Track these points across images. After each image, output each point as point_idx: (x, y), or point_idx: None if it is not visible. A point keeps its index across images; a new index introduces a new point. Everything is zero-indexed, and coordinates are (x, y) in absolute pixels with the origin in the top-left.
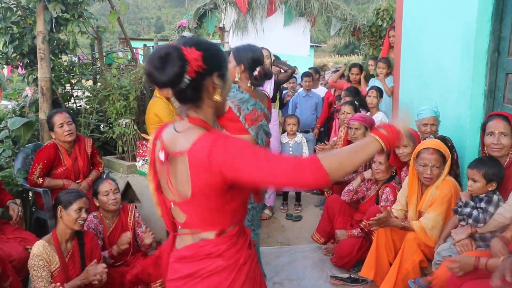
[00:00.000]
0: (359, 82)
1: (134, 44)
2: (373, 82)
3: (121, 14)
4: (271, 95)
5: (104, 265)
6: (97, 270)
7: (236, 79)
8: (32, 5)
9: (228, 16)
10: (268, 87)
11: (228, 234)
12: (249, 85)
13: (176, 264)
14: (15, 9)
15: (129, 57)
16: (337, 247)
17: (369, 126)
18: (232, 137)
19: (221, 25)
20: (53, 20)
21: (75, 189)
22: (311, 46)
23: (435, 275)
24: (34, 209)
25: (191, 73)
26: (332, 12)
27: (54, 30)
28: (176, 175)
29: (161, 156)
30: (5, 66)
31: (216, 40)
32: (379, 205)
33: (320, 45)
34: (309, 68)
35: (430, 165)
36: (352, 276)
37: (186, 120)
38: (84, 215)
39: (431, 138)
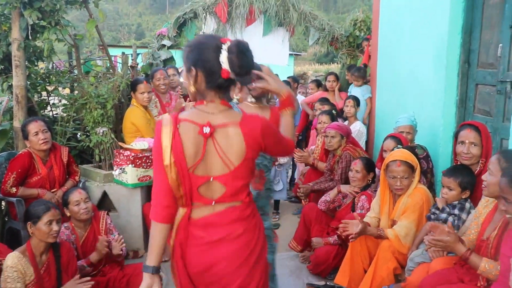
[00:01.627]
0: (339, 89)
1: (114, 51)
2: (364, 91)
3: (100, 21)
4: None
5: (87, 278)
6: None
7: (235, 100)
8: (7, 12)
9: (207, 25)
10: None
11: (249, 199)
12: (251, 100)
13: (199, 231)
14: None
15: (107, 65)
16: (313, 255)
17: (345, 134)
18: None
19: (201, 33)
20: (29, 27)
21: (42, 201)
22: (291, 55)
23: (408, 281)
24: (7, 219)
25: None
26: (310, 22)
27: (30, 38)
28: (224, 147)
29: (207, 129)
30: None
31: None
32: (355, 213)
33: (300, 53)
34: (288, 77)
35: (399, 176)
36: (328, 283)
37: (218, 103)
38: (55, 227)
39: (399, 148)
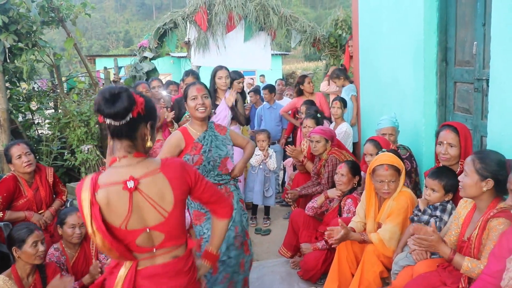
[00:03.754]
0: (311, 93)
1: (102, 61)
2: (347, 90)
3: (79, 40)
4: (227, 116)
5: (71, 277)
6: (63, 283)
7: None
8: None
9: (189, 34)
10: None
11: (189, 247)
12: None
13: (147, 281)
14: None
15: (89, 81)
16: (302, 261)
17: (330, 138)
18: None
19: (186, 39)
20: (6, 51)
21: (24, 224)
22: (279, 55)
23: (393, 285)
24: None
25: (134, 113)
26: (291, 25)
27: (8, 61)
28: (153, 196)
29: (131, 183)
30: None
31: (183, 53)
32: (339, 219)
33: (288, 52)
34: (265, 86)
35: (386, 180)
36: None
37: (132, 156)
38: (41, 248)
39: (384, 152)
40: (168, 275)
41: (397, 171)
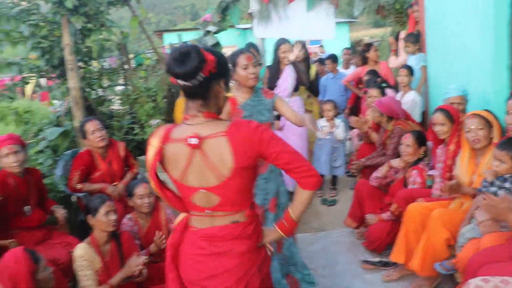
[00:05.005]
0: (376, 62)
1: (170, 36)
2: (418, 59)
3: (142, 17)
4: (290, 84)
5: (144, 256)
6: (138, 260)
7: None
8: (58, 19)
9: (251, 6)
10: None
11: (252, 214)
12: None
13: (201, 241)
14: (42, 24)
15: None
16: (367, 232)
17: (390, 114)
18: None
19: (249, 11)
20: (77, 32)
21: (97, 196)
22: (346, 22)
23: (459, 258)
24: (78, 213)
25: (205, 72)
26: None
27: (79, 41)
28: (212, 158)
29: (193, 140)
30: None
31: (248, 25)
32: (406, 188)
33: (355, 20)
34: (328, 56)
35: (473, 127)
36: (382, 260)
37: (201, 116)
38: (112, 217)
39: None
40: (225, 238)
41: (487, 122)
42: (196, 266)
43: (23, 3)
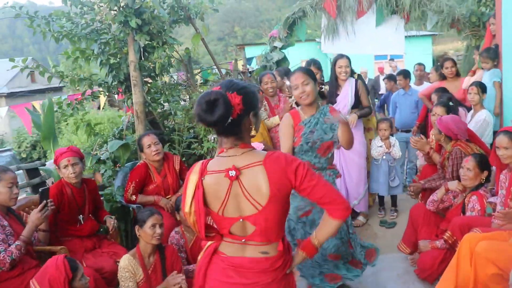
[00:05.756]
0: (456, 75)
1: (251, 49)
2: (491, 75)
3: (204, 35)
4: (350, 101)
5: (182, 276)
6: (176, 280)
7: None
8: (124, 37)
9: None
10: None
11: (283, 248)
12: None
13: (229, 270)
14: (112, 42)
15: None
16: (419, 259)
17: (448, 134)
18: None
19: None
20: (141, 49)
21: (148, 208)
22: (429, 35)
23: None
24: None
25: (234, 115)
26: (426, 6)
27: (142, 58)
28: (249, 188)
29: (232, 173)
30: (106, 94)
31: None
32: (464, 215)
33: (439, 32)
34: (399, 72)
35: (503, 146)
36: None
37: (237, 148)
38: (158, 230)
39: None
40: (253, 270)
41: None
42: None
43: (96, 23)
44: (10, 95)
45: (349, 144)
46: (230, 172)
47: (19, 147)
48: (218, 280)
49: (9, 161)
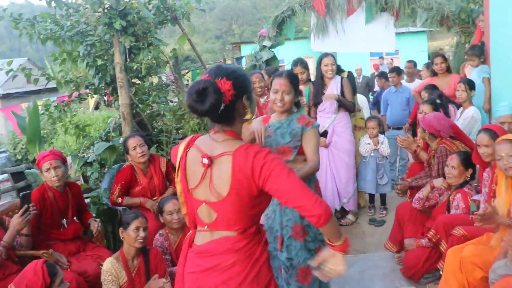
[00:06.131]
0: (446, 71)
1: (247, 47)
2: (479, 71)
3: (190, 36)
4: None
5: (164, 279)
6: (158, 284)
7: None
8: (109, 39)
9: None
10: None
11: (248, 232)
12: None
13: (196, 259)
14: (98, 44)
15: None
16: (405, 257)
17: (432, 132)
18: (271, 152)
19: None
20: (127, 51)
21: (133, 210)
22: (424, 31)
23: None
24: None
25: (225, 101)
26: (416, 3)
27: (128, 60)
28: (215, 177)
29: (205, 160)
30: (94, 96)
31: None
32: (449, 213)
33: (434, 28)
34: (392, 69)
35: (503, 154)
36: None
37: (223, 133)
38: (142, 233)
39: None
40: (215, 252)
41: None
42: (195, 284)
43: (81, 25)
44: (6, 96)
45: (313, 162)
46: (203, 159)
47: (14, 149)
48: (190, 272)
49: (4, 162)
